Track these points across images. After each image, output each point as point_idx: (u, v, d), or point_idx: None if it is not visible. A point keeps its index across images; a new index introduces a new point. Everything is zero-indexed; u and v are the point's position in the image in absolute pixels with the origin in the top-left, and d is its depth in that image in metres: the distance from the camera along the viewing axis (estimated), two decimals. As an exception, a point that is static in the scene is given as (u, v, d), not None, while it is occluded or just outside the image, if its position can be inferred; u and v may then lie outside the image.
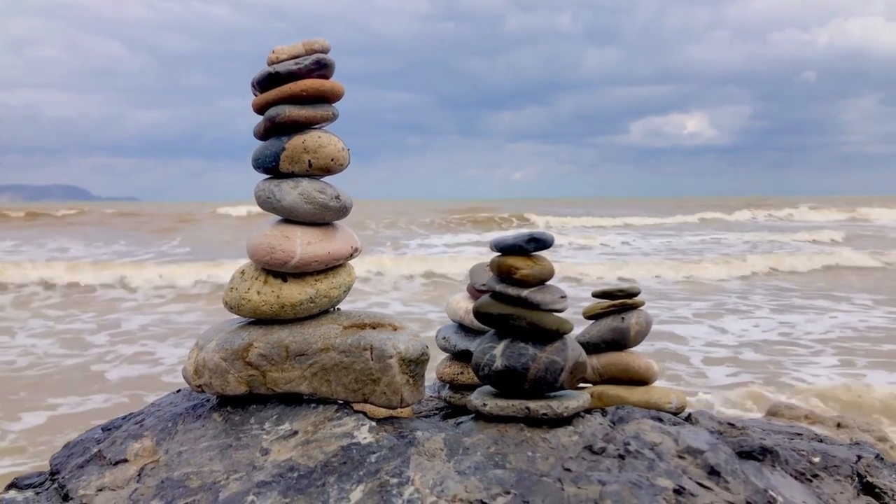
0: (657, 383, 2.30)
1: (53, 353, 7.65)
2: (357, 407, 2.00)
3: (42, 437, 5.13)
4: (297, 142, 1.98)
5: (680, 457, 1.78)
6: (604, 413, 2.02)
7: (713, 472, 1.73)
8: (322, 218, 2.02)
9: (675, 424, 1.97)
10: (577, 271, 13.69)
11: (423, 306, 10.47)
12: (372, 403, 1.97)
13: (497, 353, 1.92)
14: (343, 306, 2.16)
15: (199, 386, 2.01)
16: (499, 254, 1.98)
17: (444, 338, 2.34)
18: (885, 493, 2.00)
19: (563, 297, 1.95)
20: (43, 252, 18.84)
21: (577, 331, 2.17)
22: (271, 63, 2.00)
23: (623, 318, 2.25)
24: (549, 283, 1.97)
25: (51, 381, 6.60)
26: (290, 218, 2.02)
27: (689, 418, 2.17)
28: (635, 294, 2.28)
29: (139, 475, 1.83)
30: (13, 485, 2.05)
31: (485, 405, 1.92)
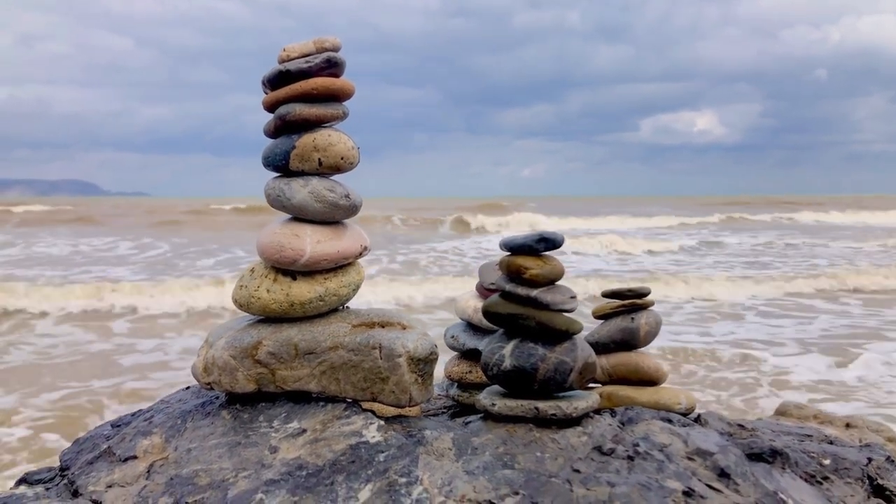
0: (666, 384, 2.29)
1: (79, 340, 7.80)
2: (365, 405, 2.00)
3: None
4: (307, 140, 1.98)
5: (689, 458, 1.78)
6: (613, 414, 2.01)
7: (723, 475, 1.72)
8: (331, 216, 2.02)
9: (684, 426, 1.97)
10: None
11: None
12: (380, 402, 1.97)
13: (506, 352, 1.92)
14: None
15: (209, 383, 2.02)
16: (508, 253, 1.97)
17: (453, 336, 2.34)
18: (896, 495, 1.99)
19: (573, 297, 1.94)
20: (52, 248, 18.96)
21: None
22: (282, 61, 2.00)
23: (633, 319, 2.25)
24: (558, 283, 1.96)
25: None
26: (300, 216, 2.02)
27: (698, 419, 2.16)
28: (645, 294, 2.27)
29: (148, 472, 1.84)
30: (23, 480, 2.06)
31: (493, 405, 1.92)
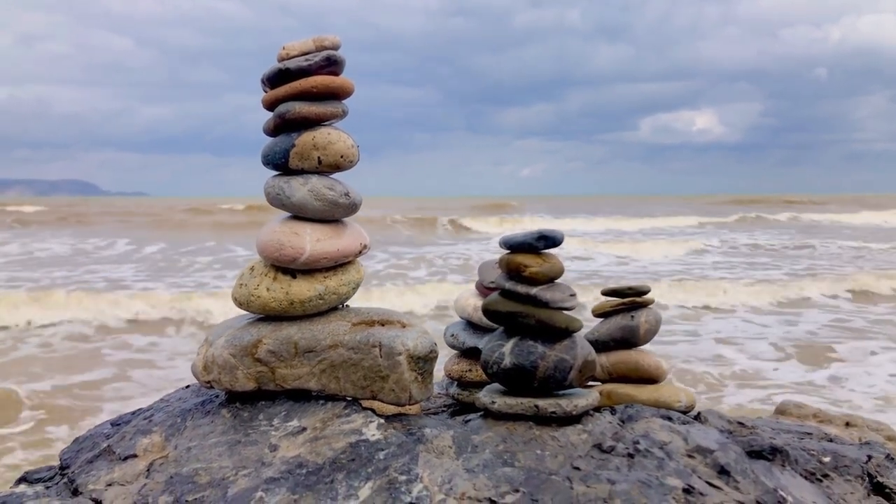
0: (666, 381, 2.29)
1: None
2: (365, 404, 2.00)
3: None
4: (306, 138, 1.98)
5: (689, 456, 1.78)
6: (613, 411, 2.01)
7: (723, 472, 1.72)
8: (331, 215, 2.02)
9: (684, 423, 1.97)
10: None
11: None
12: (380, 400, 1.97)
13: (506, 350, 1.92)
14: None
15: (208, 382, 2.02)
16: (508, 251, 1.97)
17: (453, 335, 2.34)
18: (896, 493, 1.99)
19: (573, 295, 1.94)
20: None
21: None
22: (281, 59, 2.00)
23: (633, 317, 2.24)
24: (558, 280, 1.96)
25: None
26: (300, 215, 2.02)
27: (698, 417, 2.16)
28: (645, 292, 2.27)
29: (148, 470, 1.84)
30: (23, 479, 2.06)
31: (493, 403, 1.91)
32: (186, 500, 1.70)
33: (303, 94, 1.98)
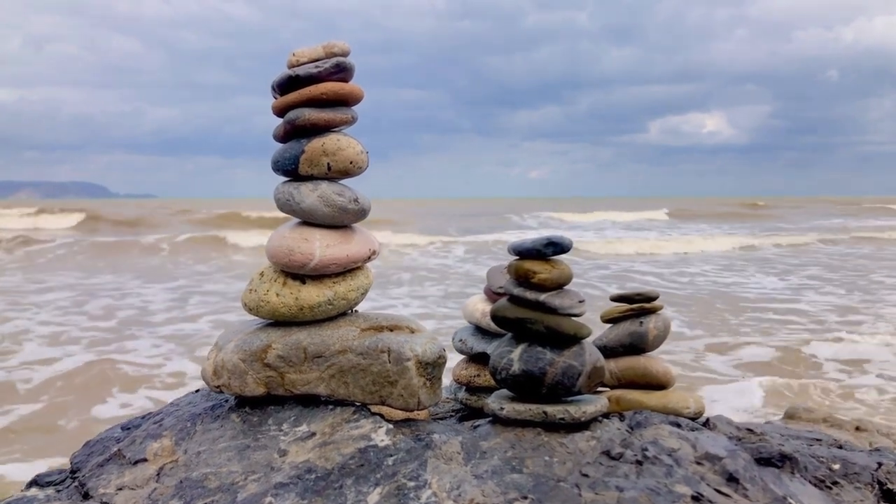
0: (675, 388, 2.29)
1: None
2: (374, 409, 2.01)
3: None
4: (316, 145, 1.99)
5: (698, 463, 1.77)
6: (621, 418, 2.01)
7: (732, 479, 1.72)
8: (340, 220, 2.03)
9: (693, 430, 1.96)
10: None
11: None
12: (389, 406, 1.98)
13: (514, 356, 1.92)
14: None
15: (218, 387, 2.03)
16: (516, 257, 1.97)
17: (461, 340, 2.34)
18: (906, 501, 1.98)
19: (581, 301, 1.94)
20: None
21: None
22: (291, 66, 2.01)
23: (641, 323, 2.24)
24: (566, 287, 1.96)
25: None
26: (309, 220, 2.03)
27: (707, 423, 2.16)
28: (654, 298, 2.27)
29: (158, 475, 1.85)
30: (34, 482, 2.07)
31: (502, 409, 1.92)
32: (196, 505, 1.71)
33: (312, 101, 1.99)
